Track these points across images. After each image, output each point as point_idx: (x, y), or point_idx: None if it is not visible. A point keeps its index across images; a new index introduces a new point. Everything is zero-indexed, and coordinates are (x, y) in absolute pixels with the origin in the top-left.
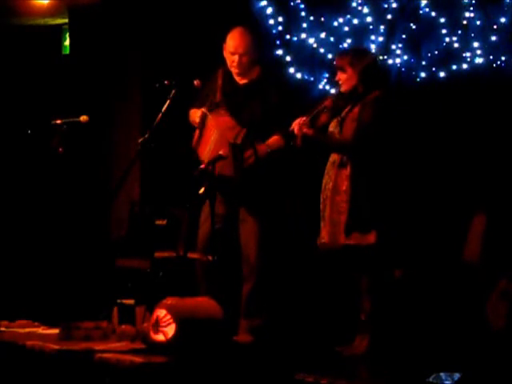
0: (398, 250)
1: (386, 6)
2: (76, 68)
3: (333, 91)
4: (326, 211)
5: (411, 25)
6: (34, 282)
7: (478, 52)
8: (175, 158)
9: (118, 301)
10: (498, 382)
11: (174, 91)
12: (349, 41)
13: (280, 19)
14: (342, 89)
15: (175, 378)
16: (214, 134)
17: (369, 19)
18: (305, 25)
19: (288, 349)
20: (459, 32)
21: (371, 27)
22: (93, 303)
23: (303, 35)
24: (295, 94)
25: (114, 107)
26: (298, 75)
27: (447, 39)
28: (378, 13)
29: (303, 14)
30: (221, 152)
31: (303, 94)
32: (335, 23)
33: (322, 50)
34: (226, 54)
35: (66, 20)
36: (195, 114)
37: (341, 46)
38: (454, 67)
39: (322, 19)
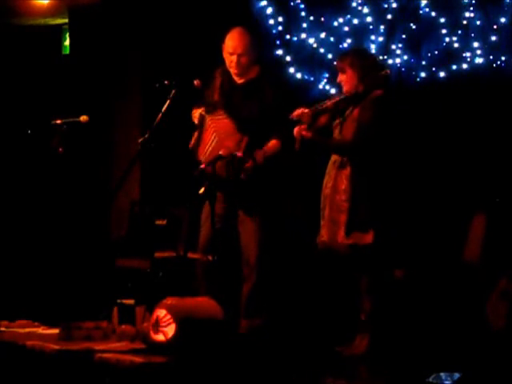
0: (398, 250)
1: (386, 5)
2: (76, 68)
3: (333, 91)
4: (325, 210)
5: (411, 25)
6: (34, 282)
7: (478, 52)
8: (175, 158)
9: (118, 301)
10: (498, 382)
11: (173, 91)
12: (349, 41)
13: (280, 19)
14: (344, 89)
15: (175, 378)
16: (212, 136)
17: (369, 19)
18: (305, 25)
19: (288, 349)
20: (459, 32)
21: (371, 27)
22: (93, 303)
23: (303, 35)
24: (295, 94)
25: (114, 107)
26: (298, 75)
27: (447, 39)
28: (378, 13)
29: (303, 13)
30: (221, 152)
31: (303, 94)
32: (335, 23)
33: (322, 50)
34: (225, 55)
35: (66, 20)
36: (195, 115)
37: (341, 46)
38: (454, 67)
39: (322, 19)
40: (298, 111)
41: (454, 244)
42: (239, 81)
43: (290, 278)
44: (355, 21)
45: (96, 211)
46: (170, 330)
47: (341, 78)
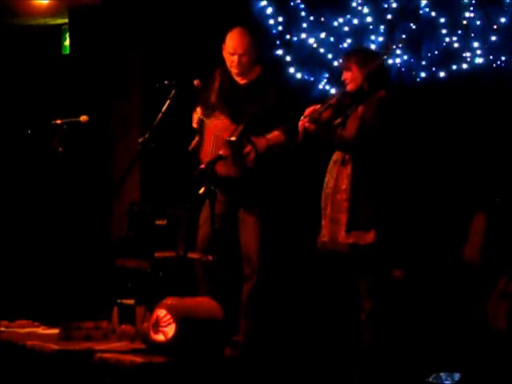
0: (398, 249)
1: (386, 5)
2: (76, 68)
3: (333, 91)
4: (326, 210)
5: (411, 25)
6: (34, 281)
7: (478, 52)
8: (175, 158)
9: (118, 301)
10: (498, 382)
11: (173, 91)
12: (349, 41)
13: (280, 19)
14: (348, 88)
15: (175, 378)
16: (212, 138)
17: (369, 19)
18: (305, 25)
19: (288, 349)
20: (459, 32)
21: (371, 27)
22: (93, 303)
23: (303, 35)
24: (295, 94)
25: (113, 107)
26: (298, 75)
27: (447, 39)
28: (378, 13)
29: (303, 13)
30: (221, 152)
31: (303, 94)
32: (335, 23)
33: (322, 50)
34: (226, 55)
35: (66, 20)
36: (194, 120)
37: (341, 46)
38: (454, 67)
39: (322, 19)
40: (309, 109)
41: (454, 244)
42: (241, 81)
43: (290, 278)
44: (355, 21)
45: (96, 211)
46: (170, 330)
47: (345, 75)
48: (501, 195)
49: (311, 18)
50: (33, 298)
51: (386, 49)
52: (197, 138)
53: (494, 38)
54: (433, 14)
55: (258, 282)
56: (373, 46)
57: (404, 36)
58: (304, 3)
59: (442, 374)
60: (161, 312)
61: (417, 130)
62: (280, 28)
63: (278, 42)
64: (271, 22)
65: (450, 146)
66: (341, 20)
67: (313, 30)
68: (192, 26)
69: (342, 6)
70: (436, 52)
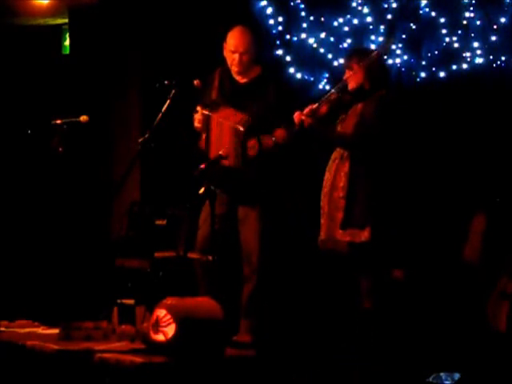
0: (398, 249)
1: (386, 5)
2: (76, 68)
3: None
4: (325, 207)
5: (411, 25)
6: (34, 281)
7: (478, 52)
8: (175, 158)
9: (118, 301)
10: (498, 382)
11: (173, 91)
12: (349, 41)
13: (280, 19)
14: (350, 86)
15: (175, 378)
16: (223, 127)
17: (369, 19)
18: (305, 25)
19: (288, 349)
20: (459, 32)
21: (371, 27)
22: (93, 303)
23: (303, 35)
24: (295, 94)
25: (113, 107)
26: (298, 75)
27: (447, 39)
28: (378, 13)
29: (303, 13)
30: (221, 152)
31: (303, 94)
32: (335, 23)
33: (322, 50)
34: (227, 53)
35: (66, 20)
36: (197, 118)
37: (341, 46)
38: (454, 67)
39: (322, 19)
40: (307, 109)
41: (454, 244)
42: (242, 80)
43: (290, 278)
44: (355, 21)
45: (96, 211)
46: (170, 330)
47: (347, 74)
48: (501, 195)
49: (311, 18)
50: (33, 298)
51: (385, 45)
52: (203, 136)
53: (494, 38)
54: (433, 14)
55: (258, 282)
56: (373, 46)
57: (404, 36)
58: (304, 3)
59: (441, 373)
60: (161, 312)
61: (417, 130)
62: (280, 28)
63: (278, 42)
64: (271, 21)
65: (450, 146)
66: (341, 20)
67: (313, 29)
68: (192, 26)
69: (341, 6)
70: (436, 52)
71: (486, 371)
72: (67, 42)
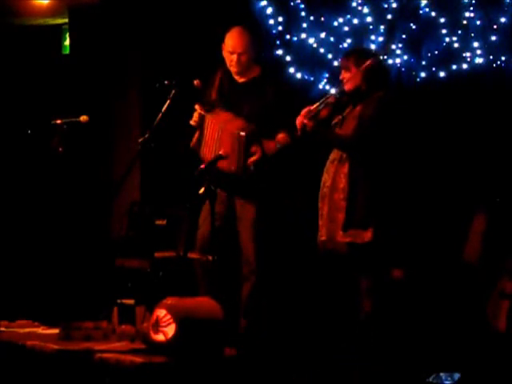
0: (398, 249)
1: (386, 5)
2: (76, 68)
3: (333, 91)
4: (324, 209)
5: (411, 25)
6: (34, 281)
7: (478, 52)
8: (175, 158)
9: (118, 301)
10: (498, 382)
11: (173, 91)
12: (349, 41)
13: (280, 19)
14: (346, 87)
15: (175, 378)
16: (216, 132)
17: (369, 19)
18: (305, 25)
19: (288, 349)
20: (459, 32)
21: (371, 27)
22: (93, 303)
23: (303, 35)
24: (295, 94)
25: (113, 107)
26: (298, 75)
27: (447, 39)
28: (378, 13)
29: (303, 13)
30: (221, 152)
31: (303, 94)
32: (335, 23)
33: (322, 50)
34: (225, 54)
35: (66, 20)
36: (193, 117)
37: (341, 46)
38: (454, 67)
39: (322, 19)
40: (305, 109)
41: (454, 244)
42: (240, 80)
43: (290, 278)
44: (355, 21)
45: (96, 211)
46: (170, 330)
47: (344, 75)
48: (501, 195)
49: (311, 18)
50: (33, 298)
51: (385, 48)
52: (197, 135)
53: (493, 38)
54: (433, 14)
55: (257, 281)
56: (373, 46)
57: (404, 36)
58: (304, 3)
59: (441, 373)
60: (161, 312)
61: (417, 130)
62: (280, 28)
63: (278, 42)
64: (271, 21)
65: (450, 146)
66: (341, 20)
67: (313, 29)
68: (192, 26)
69: (341, 6)
70: (436, 52)
71: (486, 371)
72: (67, 42)
